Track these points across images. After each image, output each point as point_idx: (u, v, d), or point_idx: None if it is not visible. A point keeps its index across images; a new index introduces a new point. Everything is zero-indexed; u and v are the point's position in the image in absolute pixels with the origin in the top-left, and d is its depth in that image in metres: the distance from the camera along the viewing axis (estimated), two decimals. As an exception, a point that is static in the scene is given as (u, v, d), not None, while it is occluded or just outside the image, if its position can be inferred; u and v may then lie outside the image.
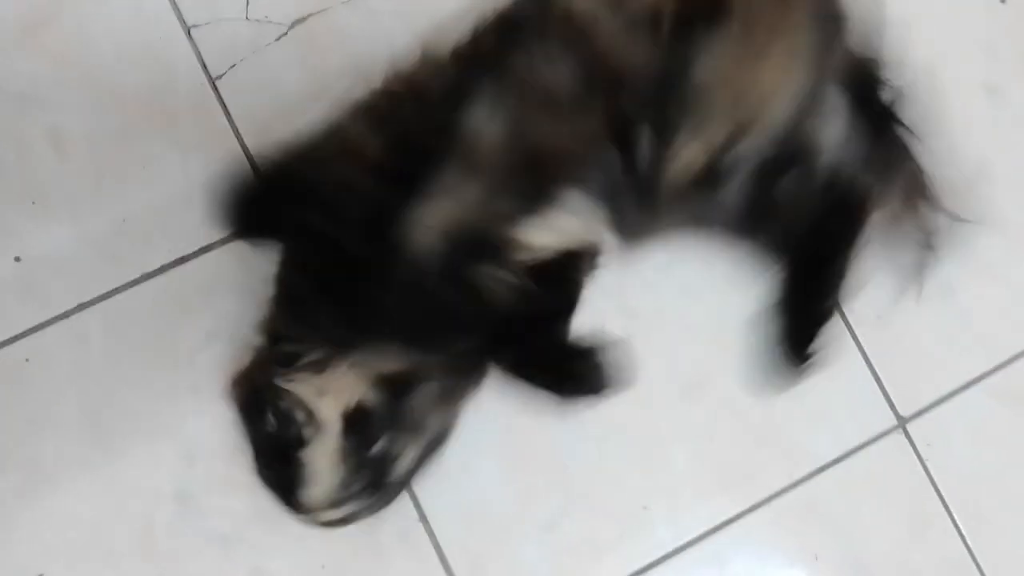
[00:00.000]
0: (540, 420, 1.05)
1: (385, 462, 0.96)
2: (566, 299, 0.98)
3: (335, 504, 0.96)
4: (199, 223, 1.06)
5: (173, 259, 1.06)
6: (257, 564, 1.05)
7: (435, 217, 0.89)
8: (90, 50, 1.07)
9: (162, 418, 1.05)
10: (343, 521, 0.98)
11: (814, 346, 1.06)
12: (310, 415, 0.95)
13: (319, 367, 0.94)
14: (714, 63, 0.91)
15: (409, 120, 0.92)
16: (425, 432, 0.99)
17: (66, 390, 1.04)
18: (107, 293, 1.05)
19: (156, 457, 1.05)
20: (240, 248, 1.06)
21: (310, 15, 1.11)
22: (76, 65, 1.07)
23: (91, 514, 1.04)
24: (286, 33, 1.11)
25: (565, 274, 0.97)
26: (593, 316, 1.03)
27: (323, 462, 0.95)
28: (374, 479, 0.96)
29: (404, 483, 1.01)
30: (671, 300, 1.13)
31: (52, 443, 1.04)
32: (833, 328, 1.10)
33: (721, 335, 1.13)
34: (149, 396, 1.05)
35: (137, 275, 1.06)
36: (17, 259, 1.05)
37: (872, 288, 1.13)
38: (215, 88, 1.09)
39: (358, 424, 0.94)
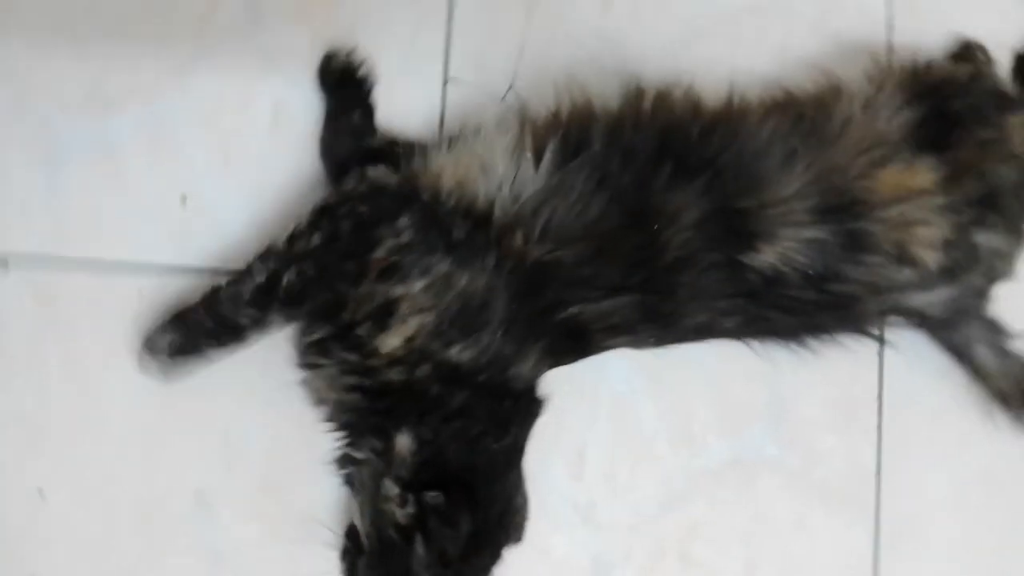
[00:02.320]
0: None
1: None
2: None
3: None
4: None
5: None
6: (227, 598, 1.01)
7: None
8: None
9: (225, 416, 1.02)
10: None
11: None
12: None
13: None
14: None
15: None
16: None
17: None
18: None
19: (200, 448, 1.02)
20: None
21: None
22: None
23: (114, 466, 1.01)
24: None
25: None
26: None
27: None
28: None
29: None
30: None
31: (118, 374, 1.01)
32: None
33: None
34: (226, 390, 1.02)
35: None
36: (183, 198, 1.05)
37: None
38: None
39: None
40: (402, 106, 1.07)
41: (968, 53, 1.13)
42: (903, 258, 0.94)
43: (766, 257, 0.91)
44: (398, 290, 0.90)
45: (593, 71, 1.09)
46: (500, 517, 0.92)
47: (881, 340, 1.06)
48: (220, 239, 1.04)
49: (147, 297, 1.02)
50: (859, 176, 0.93)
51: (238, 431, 1.02)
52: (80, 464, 1.01)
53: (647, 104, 0.97)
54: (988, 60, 1.12)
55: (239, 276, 0.95)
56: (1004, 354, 1.06)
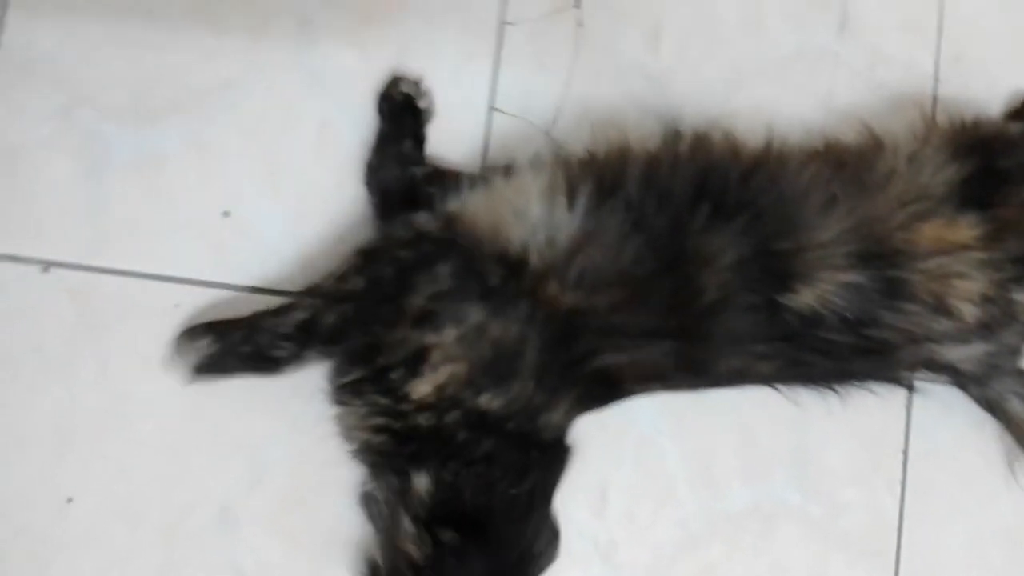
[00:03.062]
0: None
1: None
2: None
3: None
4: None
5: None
6: (247, 613, 1.02)
7: None
8: None
9: (254, 432, 1.03)
10: None
11: None
12: None
13: None
14: None
15: None
16: None
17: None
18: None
19: (228, 463, 1.03)
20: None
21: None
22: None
23: (141, 477, 1.02)
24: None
25: None
26: None
27: None
28: None
29: None
30: None
31: (151, 385, 1.02)
32: None
33: None
34: (255, 405, 1.03)
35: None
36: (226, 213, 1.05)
37: None
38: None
39: None
40: (446, 132, 1.07)
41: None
42: (941, 309, 0.94)
43: (804, 299, 0.91)
44: (431, 338, 0.90)
45: (637, 109, 1.10)
46: (519, 560, 0.92)
47: (911, 389, 1.06)
48: (260, 257, 1.05)
49: (184, 310, 1.03)
50: (900, 227, 0.93)
51: (264, 448, 1.03)
52: (108, 474, 1.02)
53: (685, 147, 0.97)
54: None
55: (281, 309, 0.96)
56: None
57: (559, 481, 0.96)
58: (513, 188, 0.95)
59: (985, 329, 0.96)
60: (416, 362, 0.90)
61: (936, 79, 1.14)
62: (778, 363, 0.95)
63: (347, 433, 0.96)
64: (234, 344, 0.96)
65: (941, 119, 1.07)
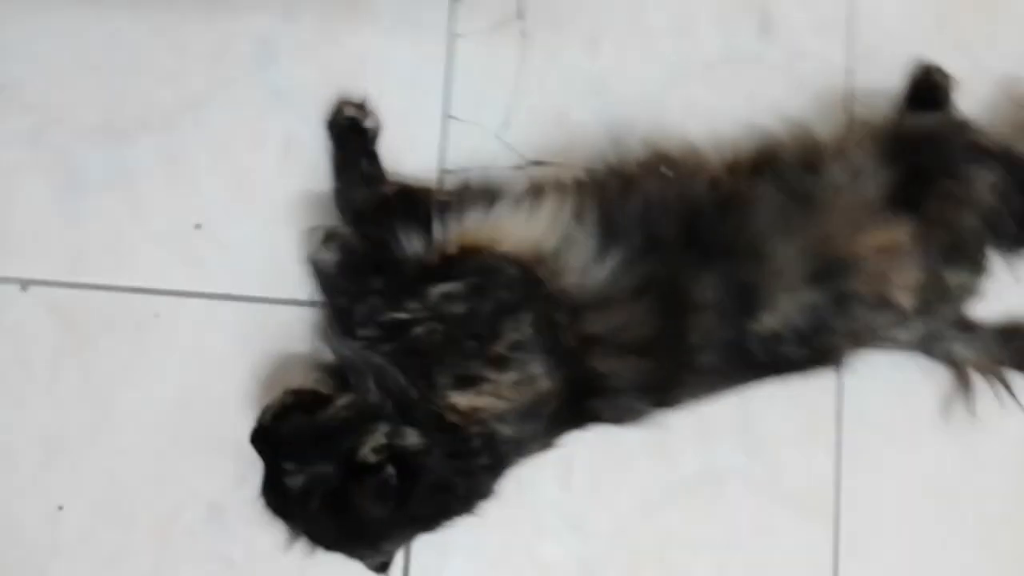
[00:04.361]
0: None
1: None
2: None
3: None
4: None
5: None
6: (241, 602, 1.08)
7: None
8: None
9: (238, 430, 1.07)
10: None
11: None
12: None
13: None
14: None
15: None
16: None
17: (179, 357, 1.09)
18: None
19: (214, 462, 1.08)
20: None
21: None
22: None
23: (129, 480, 1.07)
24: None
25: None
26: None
27: None
28: None
29: None
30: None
31: (135, 393, 1.08)
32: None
33: None
34: (238, 404, 1.09)
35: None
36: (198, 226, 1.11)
37: None
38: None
39: None
40: (403, 140, 1.14)
41: (929, 79, 1.20)
42: (882, 304, 1.03)
43: (767, 324, 1.00)
44: (492, 374, 0.96)
45: (581, 111, 1.18)
46: (416, 515, 0.98)
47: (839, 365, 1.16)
48: (232, 266, 1.10)
49: (163, 319, 1.08)
50: (846, 241, 1.02)
51: (249, 446, 1.08)
52: (97, 480, 1.06)
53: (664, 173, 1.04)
54: (947, 80, 1.19)
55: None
56: (975, 337, 1.14)
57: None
58: (551, 236, 1.00)
59: (923, 311, 1.05)
60: (467, 382, 0.96)
61: (848, 72, 1.24)
62: (732, 379, 1.05)
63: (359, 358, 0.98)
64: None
65: (863, 115, 1.16)
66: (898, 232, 1.03)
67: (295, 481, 0.94)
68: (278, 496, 0.96)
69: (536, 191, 1.03)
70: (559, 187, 1.04)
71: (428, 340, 0.96)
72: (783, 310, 1.00)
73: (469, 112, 1.16)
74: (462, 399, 0.95)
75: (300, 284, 1.10)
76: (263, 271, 1.10)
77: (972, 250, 1.07)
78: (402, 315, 0.97)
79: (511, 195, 1.03)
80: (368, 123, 1.11)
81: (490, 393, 0.96)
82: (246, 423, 1.07)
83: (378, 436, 0.94)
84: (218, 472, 1.08)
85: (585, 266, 0.99)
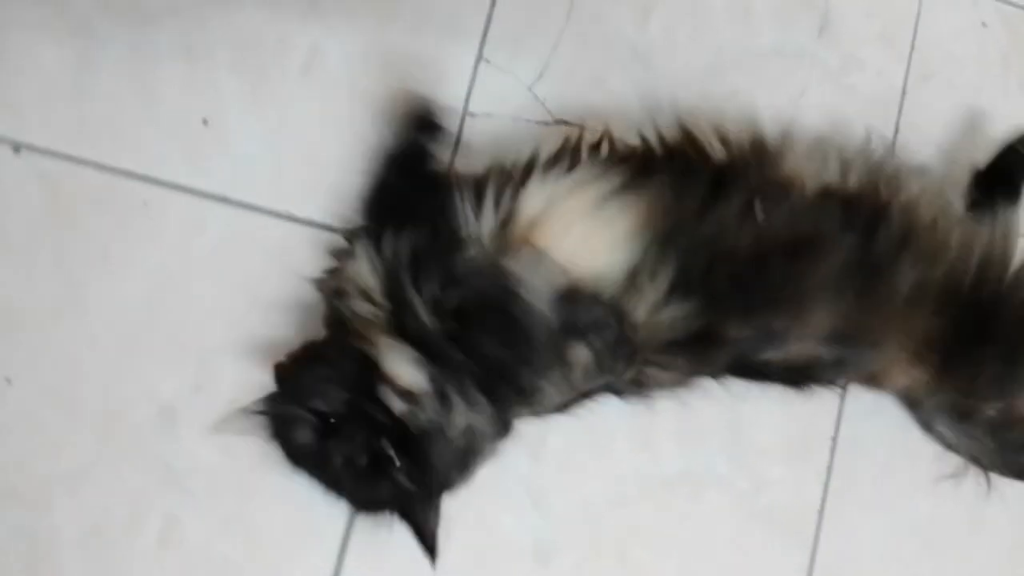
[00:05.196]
0: None
1: None
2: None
3: None
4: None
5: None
6: (173, 514, 1.02)
7: None
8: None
9: (206, 340, 1.03)
10: None
11: None
12: None
13: None
14: None
15: None
16: None
17: (160, 252, 1.04)
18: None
19: (175, 366, 1.03)
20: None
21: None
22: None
23: (85, 366, 1.02)
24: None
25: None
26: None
27: None
28: None
29: None
30: None
31: (108, 282, 1.03)
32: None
33: None
34: (213, 315, 1.04)
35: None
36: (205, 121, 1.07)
37: None
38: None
39: None
40: (432, 75, 1.10)
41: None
42: (873, 385, 1.07)
43: (767, 356, 0.98)
44: (543, 385, 0.95)
45: (621, 80, 1.13)
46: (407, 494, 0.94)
47: (844, 387, 1.10)
48: (232, 168, 1.06)
49: (152, 209, 1.04)
50: (876, 340, 1.00)
51: (214, 357, 1.03)
52: (52, 360, 1.02)
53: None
54: None
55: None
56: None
57: None
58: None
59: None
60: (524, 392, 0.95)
61: (904, 93, 1.19)
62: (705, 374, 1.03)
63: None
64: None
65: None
66: (920, 372, 1.02)
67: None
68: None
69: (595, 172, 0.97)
70: (628, 183, 0.96)
71: None
72: (786, 350, 0.98)
73: (504, 60, 1.12)
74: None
75: (297, 200, 1.06)
76: (263, 180, 1.06)
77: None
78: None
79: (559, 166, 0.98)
80: (437, 120, 1.04)
81: (541, 400, 0.96)
82: (214, 331, 1.03)
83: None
84: (176, 377, 1.03)
85: (656, 306, 0.94)
